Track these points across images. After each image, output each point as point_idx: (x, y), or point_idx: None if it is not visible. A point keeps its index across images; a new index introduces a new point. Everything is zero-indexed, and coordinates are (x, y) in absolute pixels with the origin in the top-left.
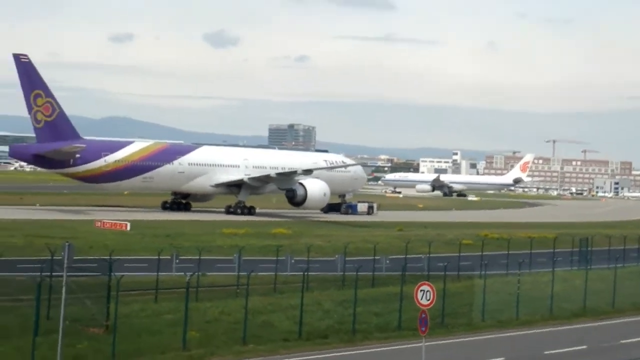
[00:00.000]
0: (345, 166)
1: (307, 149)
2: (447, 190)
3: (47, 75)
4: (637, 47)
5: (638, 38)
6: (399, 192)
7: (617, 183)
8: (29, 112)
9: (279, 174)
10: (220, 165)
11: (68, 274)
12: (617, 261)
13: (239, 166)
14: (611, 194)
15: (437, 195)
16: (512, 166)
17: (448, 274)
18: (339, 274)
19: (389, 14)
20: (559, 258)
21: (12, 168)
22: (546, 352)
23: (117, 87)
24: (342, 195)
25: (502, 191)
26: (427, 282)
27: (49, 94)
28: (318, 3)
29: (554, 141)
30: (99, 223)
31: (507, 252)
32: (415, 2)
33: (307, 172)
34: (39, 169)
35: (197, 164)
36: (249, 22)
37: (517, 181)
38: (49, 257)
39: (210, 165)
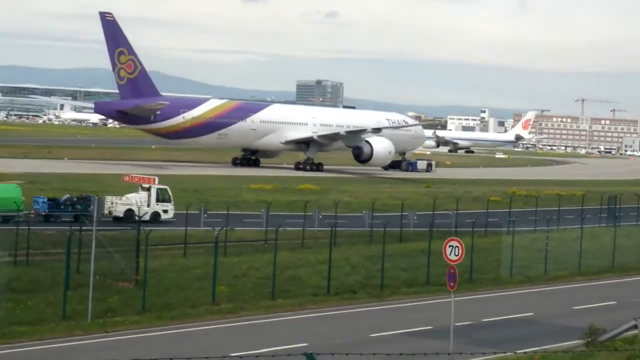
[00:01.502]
0: (410, 125)
1: (334, 105)
2: (452, 146)
3: (79, 27)
4: None
5: None
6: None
7: None
8: (113, 69)
9: (348, 132)
10: (290, 122)
11: (97, 227)
12: None
13: (307, 124)
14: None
15: (442, 152)
16: (540, 124)
17: (476, 230)
18: (367, 230)
19: None
20: (587, 215)
21: (40, 121)
22: (575, 308)
23: (147, 40)
24: (402, 153)
25: (524, 148)
26: (455, 238)
27: (131, 51)
28: None
29: (583, 100)
30: (127, 177)
31: (535, 209)
32: None
33: (376, 130)
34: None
35: (268, 122)
36: None
37: (518, 138)
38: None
39: (280, 122)
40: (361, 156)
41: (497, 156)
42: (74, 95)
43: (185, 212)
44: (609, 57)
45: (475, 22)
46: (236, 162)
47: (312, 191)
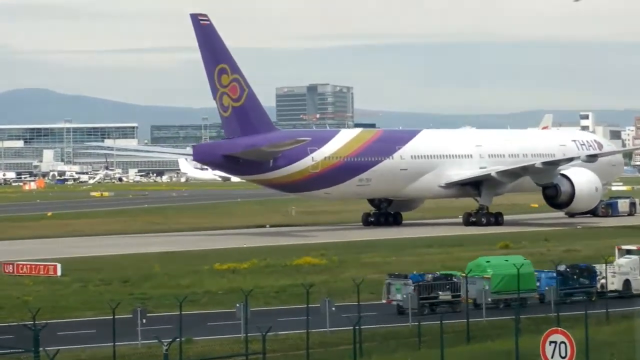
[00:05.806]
0: (620, 152)
1: (341, 123)
2: None
3: None
4: None
5: None
6: None
7: None
8: (214, 96)
9: (545, 163)
10: (450, 156)
11: None
12: None
13: (471, 156)
14: None
15: None
16: None
17: (591, 313)
18: (410, 326)
19: None
20: None
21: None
22: None
23: (24, 39)
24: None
25: None
26: (559, 329)
27: (235, 69)
28: None
29: None
30: (10, 267)
31: None
32: None
33: (591, 158)
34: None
35: (421, 156)
36: None
37: None
38: None
39: (437, 157)
40: (558, 197)
41: (613, 189)
42: None
43: (111, 317)
44: None
45: None
46: (369, 221)
47: (317, 268)
